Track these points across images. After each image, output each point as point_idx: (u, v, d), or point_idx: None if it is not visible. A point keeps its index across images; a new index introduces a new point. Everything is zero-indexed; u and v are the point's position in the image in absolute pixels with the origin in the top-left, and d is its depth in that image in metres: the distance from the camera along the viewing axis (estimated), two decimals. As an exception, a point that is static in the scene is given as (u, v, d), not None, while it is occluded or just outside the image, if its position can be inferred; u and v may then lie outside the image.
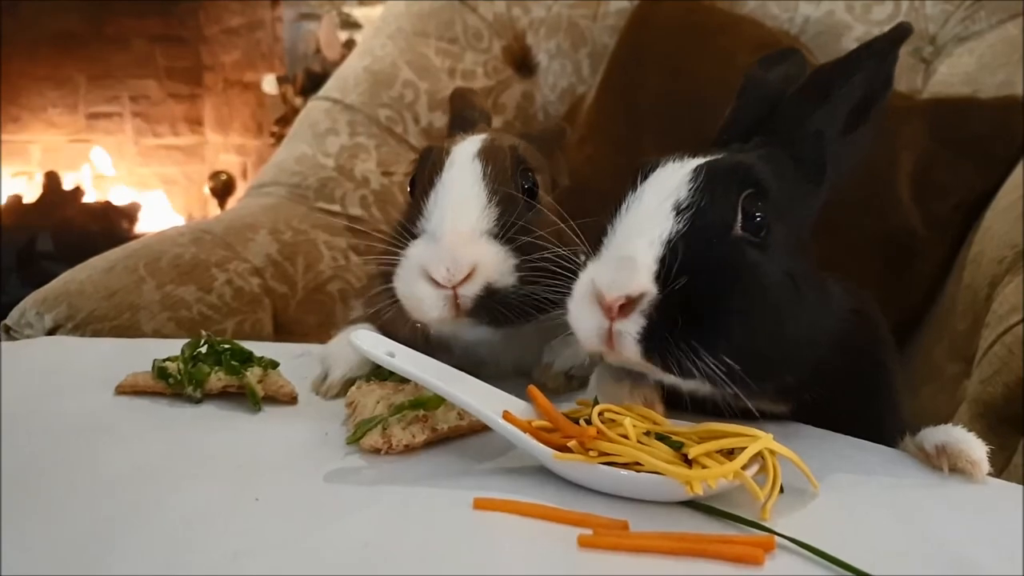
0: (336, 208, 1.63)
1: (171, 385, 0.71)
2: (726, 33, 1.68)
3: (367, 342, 0.61)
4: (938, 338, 1.36)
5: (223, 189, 3.61)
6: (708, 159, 0.66)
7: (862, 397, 0.67)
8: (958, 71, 1.58)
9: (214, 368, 0.71)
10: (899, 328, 1.38)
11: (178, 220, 3.90)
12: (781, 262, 0.61)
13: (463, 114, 0.92)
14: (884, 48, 0.74)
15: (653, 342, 0.57)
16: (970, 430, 0.63)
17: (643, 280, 0.57)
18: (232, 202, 3.67)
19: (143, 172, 3.90)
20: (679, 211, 0.60)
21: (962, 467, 0.58)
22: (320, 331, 1.49)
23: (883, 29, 1.70)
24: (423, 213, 0.72)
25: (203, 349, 0.74)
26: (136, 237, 3.60)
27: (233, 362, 0.71)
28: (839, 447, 0.64)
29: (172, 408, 0.70)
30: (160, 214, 3.83)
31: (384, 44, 1.78)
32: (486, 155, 0.75)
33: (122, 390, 0.72)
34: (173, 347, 0.76)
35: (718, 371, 0.55)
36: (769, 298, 0.59)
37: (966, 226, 1.42)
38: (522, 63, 1.86)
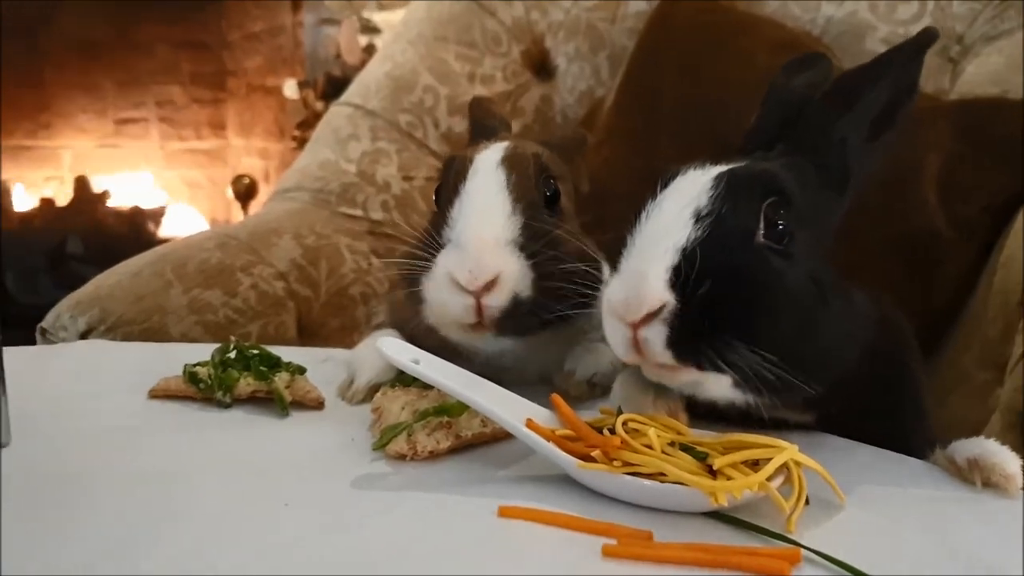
0: (358, 213, 1.65)
1: (202, 390, 0.72)
2: (746, 34, 1.67)
3: (393, 348, 0.62)
4: (968, 344, 1.34)
5: (246, 192, 3.65)
6: (730, 167, 0.66)
7: (889, 407, 0.66)
8: (986, 71, 1.55)
9: (243, 373, 0.72)
10: (925, 332, 1.36)
11: (202, 223, 3.95)
12: (805, 269, 0.61)
13: (483, 122, 0.93)
14: (909, 54, 0.73)
15: (682, 344, 0.57)
16: (1003, 441, 0.62)
17: (657, 293, 0.57)
18: (254, 205, 3.71)
19: (168, 176, 3.95)
20: (699, 218, 0.60)
21: (995, 481, 0.57)
22: (343, 334, 1.51)
23: (908, 29, 1.69)
24: (448, 222, 0.73)
25: (232, 355, 0.75)
26: (162, 240, 3.67)
27: (261, 367, 0.72)
28: (866, 458, 0.63)
29: (202, 412, 0.71)
30: (185, 217, 3.89)
31: (404, 50, 1.80)
32: (509, 163, 0.75)
33: (155, 394, 0.74)
34: (204, 352, 0.77)
35: (753, 364, 0.55)
36: (793, 304, 0.59)
37: (996, 229, 1.40)
38: (541, 67, 1.86)
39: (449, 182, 0.77)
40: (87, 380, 0.81)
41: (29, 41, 3.73)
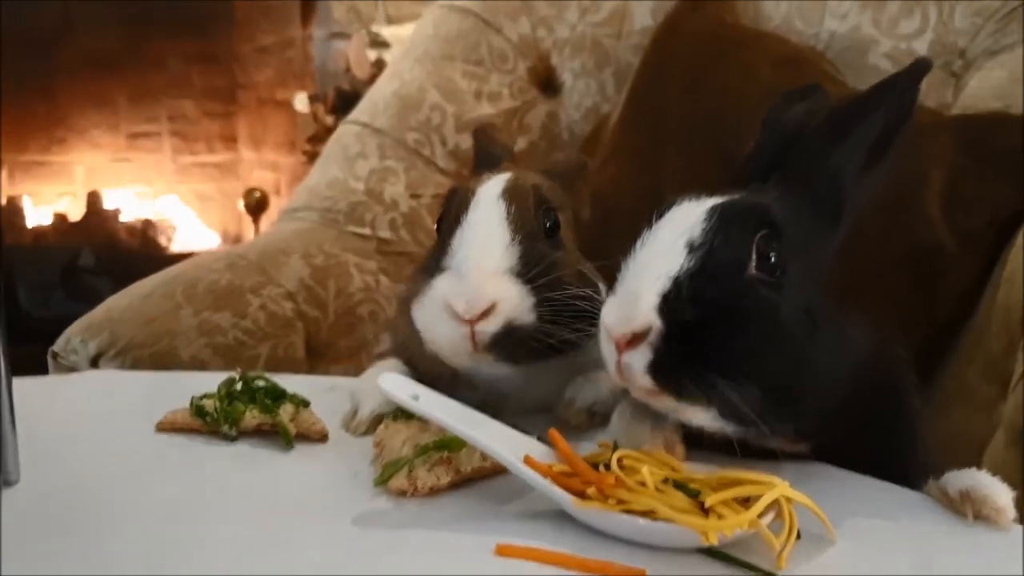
0: (366, 231, 1.67)
1: (208, 423, 0.74)
2: (750, 49, 1.68)
3: (392, 384, 0.63)
4: (971, 358, 1.35)
5: (257, 205, 3.68)
6: (724, 199, 0.67)
7: (884, 438, 0.67)
8: (989, 85, 1.56)
9: (248, 406, 0.73)
10: (929, 346, 1.37)
11: (213, 236, 3.99)
12: (796, 302, 0.62)
13: (487, 151, 0.95)
14: (903, 84, 0.74)
15: (662, 370, 0.58)
16: (1006, 458, 0.62)
17: (646, 314, 0.58)
18: (265, 218, 3.74)
19: (181, 189, 3.99)
20: (692, 249, 0.62)
21: (987, 514, 0.57)
22: (351, 353, 1.52)
23: (910, 44, 1.69)
24: (448, 251, 0.74)
25: (238, 386, 0.77)
26: (174, 253, 3.71)
27: (267, 400, 0.74)
28: (859, 489, 0.64)
29: (209, 446, 0.73)
30: (197, 230, 3.93)
31: (411, 68, 1.82)
32: (510, 195, 0.77)
33: (162, 427, 0.76)
34: (211, 380, 0.79)
35: (733, 397, 0.56)
36: (781, 338, 0.60)
37: (999, 243, 1.40)
38: (547, 83, 1.88)
39: (451, 213, 0.79)
40: (95, 413, 0.83)
41: (42, 56, 3.79)
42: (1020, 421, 1.06)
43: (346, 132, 1.79)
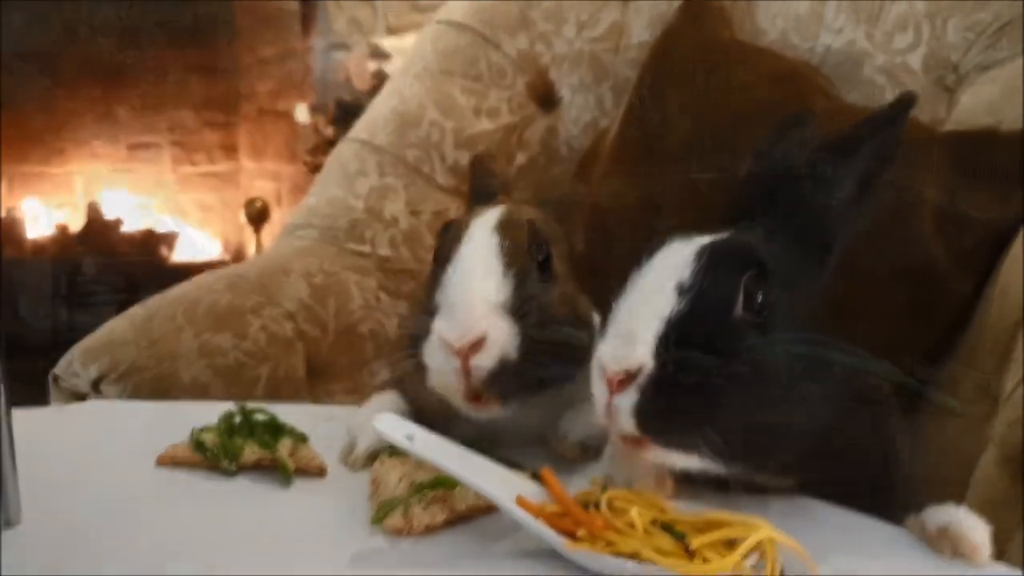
0: (366, 249, 1.68)
1: (208, 458, 0.75)
2: (747, 64, 1.69)
3: (387, 425, 0.65)
4: (965, 374, 1.36)
5: (258, 215, 3.70)
6: (712, 239, 0.68)
7: (867, 473, 0.68)
8: (982, 100, 1.57)
9: (248, 441, 0.75)
10: (923, 363, 1.38)
11: (215, 246, 4.00)
12: (782, 342, 0.63)
13: (483, 183, 0.96)
14: (888, 120, 0.75)
15: (646, 416, 0.59)
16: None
17: (641, 354, 0.60)
18: (267, 228, 3.76)
19: (181, 199, 4.01)
20: (681, 292, 0.63)
21: (963, 551, 0.59)
22: (352, 372, 1.54)
23: (904, 58, 1.70)
24: (441, 285, 0.76)
25: (237, 420, 0.78)
26: (174, 264, 3.72)
27: (265, 436, 0.75)
28: (844, 525, 0.65)
29: (209, 481, 0.74)
30: (197, 241, 3.94)
31: (411, 84, 1.83)
32: (503, 229, 0.78)
33: (162, 462, 0.77)
34: (211, 412, 0.80)
35: (711, 447, 0.58)
36: (766, 380, 0.61)
37: (992, 260, 1.41)
38: (545, 98, 1.89)
39: (446, 246, 0.80)
40: (95, 447, 0.84)
41: (42, 67, 3.81)
42: (1013, 437, 1.07)
43: (345, 149, 1.80)
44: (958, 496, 0.91)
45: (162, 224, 3.96)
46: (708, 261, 0.65)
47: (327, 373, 1.50)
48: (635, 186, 1.68)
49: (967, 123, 1.53)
